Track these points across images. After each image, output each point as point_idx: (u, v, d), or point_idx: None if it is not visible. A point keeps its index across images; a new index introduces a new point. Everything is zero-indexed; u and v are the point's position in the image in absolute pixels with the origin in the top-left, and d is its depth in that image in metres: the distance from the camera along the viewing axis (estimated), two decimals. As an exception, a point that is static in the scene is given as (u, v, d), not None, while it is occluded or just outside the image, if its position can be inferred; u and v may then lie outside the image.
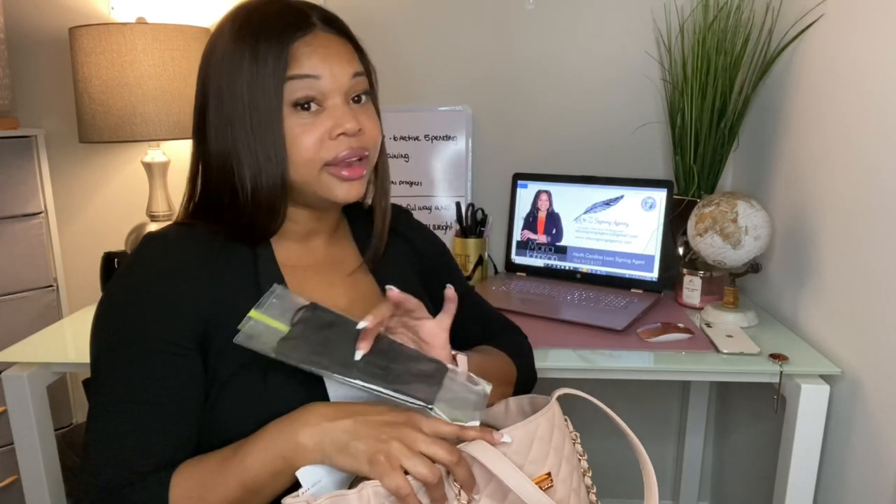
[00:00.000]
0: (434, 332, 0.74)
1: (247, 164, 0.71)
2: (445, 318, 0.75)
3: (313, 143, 0.71)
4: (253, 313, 0.68)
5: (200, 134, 0.76)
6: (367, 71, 0.78)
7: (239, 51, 0.71)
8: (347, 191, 0.74)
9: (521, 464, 0.65)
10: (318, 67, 0.71)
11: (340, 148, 0.72)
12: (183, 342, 0.68)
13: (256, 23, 0.71)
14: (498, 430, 0.66)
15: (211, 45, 0.75)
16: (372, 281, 0.85)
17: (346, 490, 0.59)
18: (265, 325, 0.68)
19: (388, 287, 0.72)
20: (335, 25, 0.76)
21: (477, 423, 0.66)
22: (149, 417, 0.66)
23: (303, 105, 0.71)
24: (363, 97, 0.76)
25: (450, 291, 0.75)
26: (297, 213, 0.78)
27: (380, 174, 0.83)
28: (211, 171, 0.75)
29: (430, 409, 0.66)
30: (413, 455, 0.59)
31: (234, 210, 0.73)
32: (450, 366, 0.72)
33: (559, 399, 0.73)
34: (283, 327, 0.69)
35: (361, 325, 0.68)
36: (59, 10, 1.62)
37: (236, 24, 0.73)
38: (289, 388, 0.69)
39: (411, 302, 0.73)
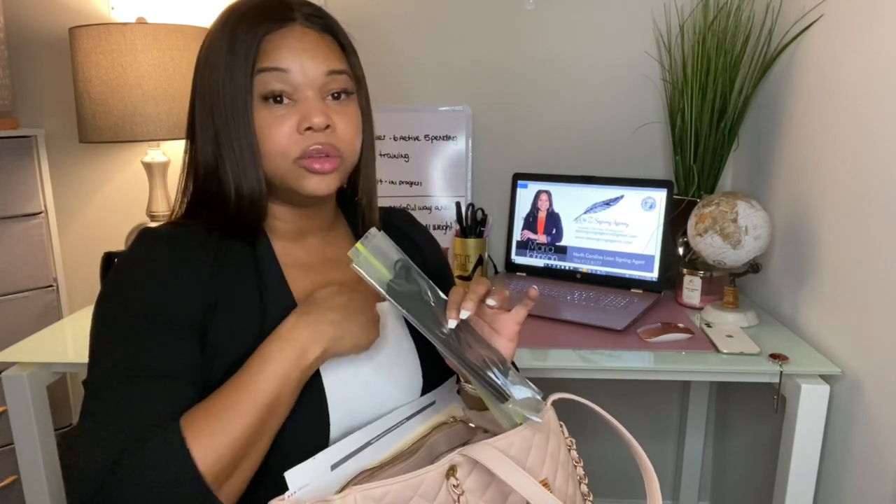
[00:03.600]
0: (507, 323, 0.74)
1: (227, 156, 0.72)
2: (521, 311, 0.75)
3: (282, 136, 0.71)
4: (360, 247, 0.69)
5: (191, 129, 0.76)
6: (354, 71, 0.77)
7: (218, 43, 0.72)
8: (317, 184, 0.73)
9: None
10: (288, 61, 0.71)
11: (309, 142, 0.72)
12: (185, 324, 0.67)
13: (237, 17, 0.72)
14: (496, 434, 0.65)
15: (203, 41, 0.76)
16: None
17: (331, 495, 0.58)
18: (370, 263, 0.69)
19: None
20: (319, 22, 0.75)
21: (539, 421, 0.66)
22: (152, 388, 0.64)
23: (274, 98, 0.71)
24: (343, 95, 0.75)
25: (532, 291, 0.76)
26: (284, 212, 0.79)
27: (363, 172, 0.83)
28: (200, 166, 0.76)
29: (507, 400, 0.66)
30: None
31: (222, 205, 0.73)
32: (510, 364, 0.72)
33: (554, 403, 0.72)
34: (385, 272, 0.70)
35: (464, 314, 0.69)
36: (59, 10, 1.62)
37: (222, 18, 0.74)
38: None
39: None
